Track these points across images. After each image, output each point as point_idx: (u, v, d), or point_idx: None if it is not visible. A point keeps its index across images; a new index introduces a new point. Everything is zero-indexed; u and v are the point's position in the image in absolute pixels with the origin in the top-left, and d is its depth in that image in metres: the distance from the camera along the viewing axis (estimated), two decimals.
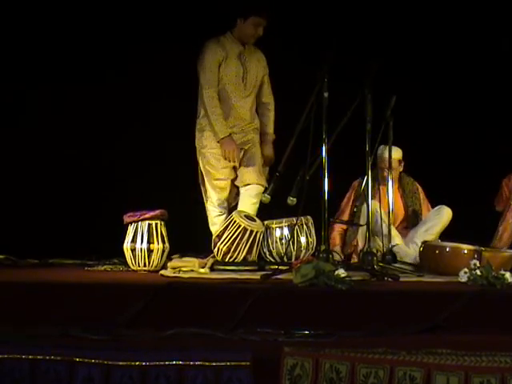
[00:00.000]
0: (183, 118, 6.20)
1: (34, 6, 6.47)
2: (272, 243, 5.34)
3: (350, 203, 5.87)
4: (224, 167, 5.58)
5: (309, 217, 5.36)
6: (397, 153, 5.80)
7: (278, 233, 5.35)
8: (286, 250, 5.24)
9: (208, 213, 5.73)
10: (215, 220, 5.66)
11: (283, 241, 5.32)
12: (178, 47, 6.27)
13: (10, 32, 6.45)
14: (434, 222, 5.75)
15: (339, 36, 5.95)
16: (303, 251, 5.33)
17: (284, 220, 5.37)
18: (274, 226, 5.38)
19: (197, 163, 5.76)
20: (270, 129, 5.79)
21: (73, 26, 6.51)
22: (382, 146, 5.66)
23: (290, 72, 6.03)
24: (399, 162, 5.89)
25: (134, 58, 6.46)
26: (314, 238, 5.35)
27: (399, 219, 5.91)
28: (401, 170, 5.95)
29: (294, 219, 5.29)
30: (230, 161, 5.50)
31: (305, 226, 5.34)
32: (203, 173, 5.70)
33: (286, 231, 5.34)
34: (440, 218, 5.74)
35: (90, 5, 6.48)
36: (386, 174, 5.70)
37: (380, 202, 5.48)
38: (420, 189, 6.04)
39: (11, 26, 6.45)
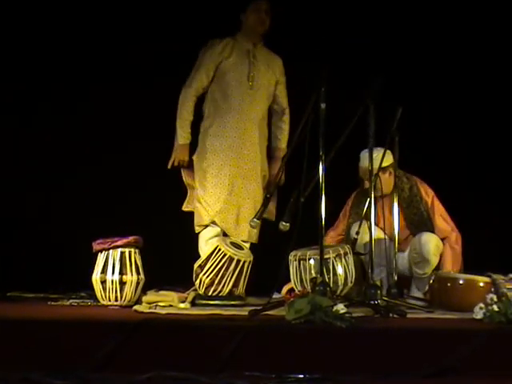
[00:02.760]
0: (160, 142, 6.12)
1: None
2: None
3: (344, 221, 5.62)
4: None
5: (347, 246, 5.17)
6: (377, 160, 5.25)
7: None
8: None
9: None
10: None
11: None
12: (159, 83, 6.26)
13: None
14: (423, 263, 5.39)
15: (340, 43, 6.08)
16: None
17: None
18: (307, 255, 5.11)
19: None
20: (283, 143, 5.68)
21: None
22: (363, 153, 5.29)
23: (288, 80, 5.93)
24: (384, 170, 5.36)
25: (116, 84, 6.41)
26: (353, 269, 5.11)
27: (403, 238, 5.49)
28: (388, 176, 5.45)
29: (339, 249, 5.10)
30: (175, 164, 5.56)
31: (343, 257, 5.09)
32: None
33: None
34: (424, 258, 5.36)
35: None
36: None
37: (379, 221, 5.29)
38: (420, 185, 5.54)
39: None
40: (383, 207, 5.35)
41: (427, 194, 5.55)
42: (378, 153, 5.17)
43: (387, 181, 5.42)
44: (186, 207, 5.68)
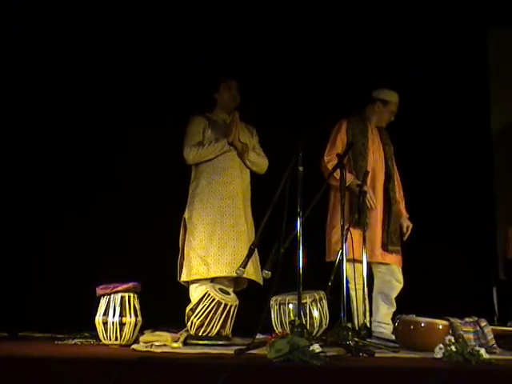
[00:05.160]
0: (160, 190, 6.42)
1: None
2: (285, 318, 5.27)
3: (341, 138, 5.92)
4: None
5: (322, 292, 5.35)
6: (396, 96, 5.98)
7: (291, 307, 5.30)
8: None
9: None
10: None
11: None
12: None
13: None
14: (389, 308, 5.87)
15: (315, 108, 6.22)
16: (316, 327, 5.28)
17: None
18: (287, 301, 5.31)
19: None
20: None
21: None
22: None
23: (267, 143, 6.11)
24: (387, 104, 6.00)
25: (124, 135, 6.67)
26: (327, 313, 5.33)
27: (380, 178, 5.90)
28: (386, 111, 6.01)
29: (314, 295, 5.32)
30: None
31: (318, 302, 5.32)
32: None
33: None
34: (392, 304, 5.83)
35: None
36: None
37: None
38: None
39: None
40: (374, 139, 5.86)
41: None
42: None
43: (382, 114, 5.96)
44: (187, 278, 5.69)
